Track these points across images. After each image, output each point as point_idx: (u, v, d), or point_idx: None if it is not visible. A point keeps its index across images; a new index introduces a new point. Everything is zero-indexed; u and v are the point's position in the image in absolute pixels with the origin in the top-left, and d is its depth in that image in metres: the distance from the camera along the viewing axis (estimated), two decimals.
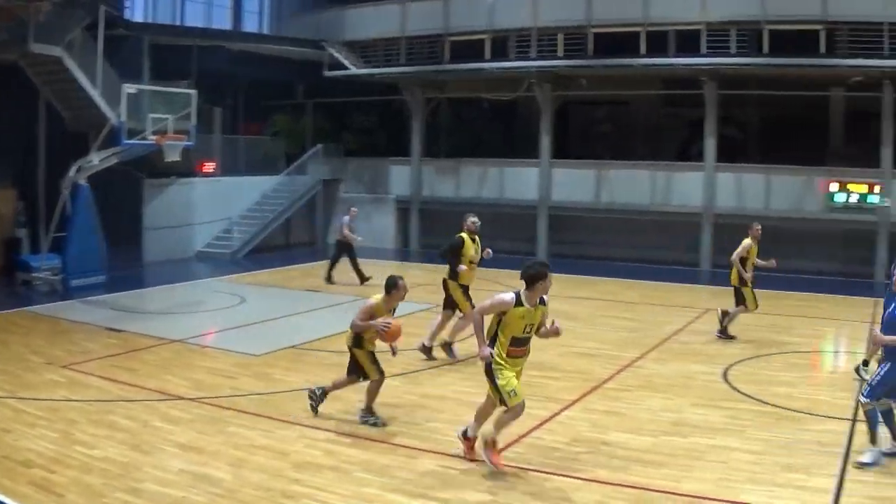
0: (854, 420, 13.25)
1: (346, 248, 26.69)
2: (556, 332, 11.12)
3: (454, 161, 36.67)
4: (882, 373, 11.28)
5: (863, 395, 11.49)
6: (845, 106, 33.29)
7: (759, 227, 19.37)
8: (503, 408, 10.72)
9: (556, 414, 13.40)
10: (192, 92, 27.89)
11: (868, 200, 29.46)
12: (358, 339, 12.61)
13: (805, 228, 30.26)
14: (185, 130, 27.18)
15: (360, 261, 26.61)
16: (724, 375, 15.93)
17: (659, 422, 13.06)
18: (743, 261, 18.87)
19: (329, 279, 26.64)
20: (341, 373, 13.06)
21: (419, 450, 11.63)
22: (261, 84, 38.14)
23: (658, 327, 20.52)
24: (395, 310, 12.79)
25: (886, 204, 29.05)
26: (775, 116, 33.78)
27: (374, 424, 12.62)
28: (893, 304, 11.51)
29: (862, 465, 11.14)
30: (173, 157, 27.13)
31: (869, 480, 10.77)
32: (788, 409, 13.87)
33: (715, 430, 12.65)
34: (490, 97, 37.41)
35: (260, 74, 37.47)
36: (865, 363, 15.61)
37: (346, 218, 26.92)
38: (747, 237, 19.09)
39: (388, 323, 12.27)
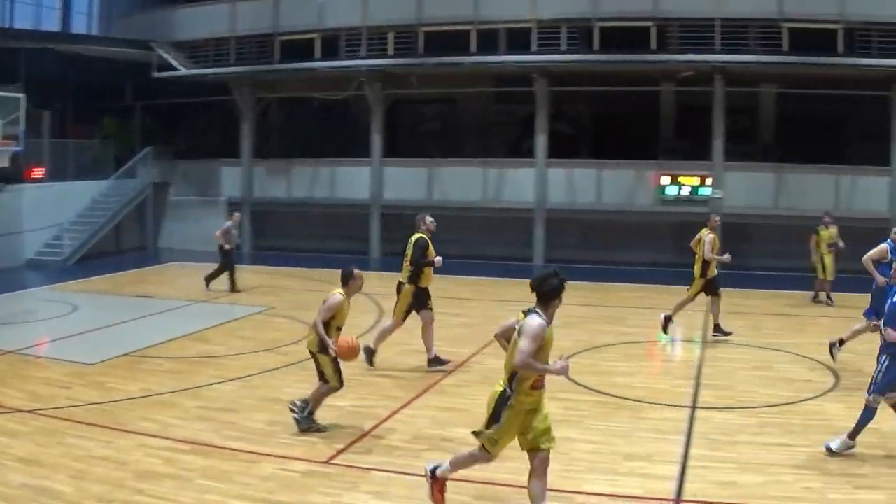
0: (693, 407, 13.48)
1: (229, 254, 25.65)
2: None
3: (285, 161, 36.21)
4: (883, 368, 11.40)
5: (869, 393, 11.53)
6: (676, 101, 33.97)
7: (718, 217, 19.77)
8: (472, 449, 9.46)
9: (396, 412, 13.24)
10: (21, 96, 26.96)
11: (700, 192, 30.13)
12: (323, 344, 12.16)
13: (637, 221, 30.81)
14: (13, 135, 26.26)
15: (193, 265, 25.91)
16: None
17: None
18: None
19: (233, 287, 25.25)
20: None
21: (258, 454, 11.33)
22: (90, 86, 37.07)
23: (492, 323, 20.47)
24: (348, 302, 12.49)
25: (718, 195, 29.71)
26: (606, 112, 34.24)
27: (318, 430, 12.24)
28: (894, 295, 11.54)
29: (830, 452, 11.41)
30: (1, 163, 26.14)
31: (712, 466, 10.92)
32: (627, 399, 14.01)
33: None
34: (321, 96, 37.06)
35: (89, 77, 36.47)
36: (841, 342, 15.93)
37: (229, 223, 25.93)
38: (707, 230, 19.09)
39: (347, 342, 12.13)
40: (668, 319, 18.98)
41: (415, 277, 16.17)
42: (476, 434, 9.21)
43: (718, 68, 29.29)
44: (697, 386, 15.07)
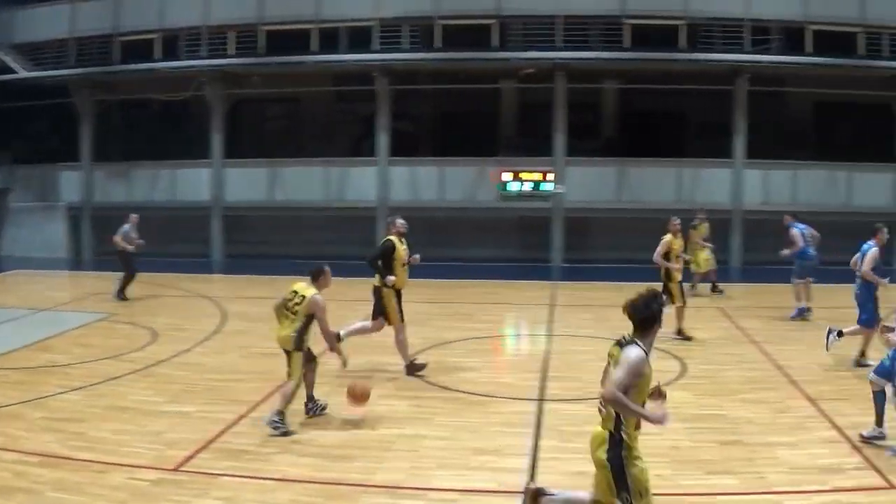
0: (541, 400, 13.47)
1: (129, 259, 24.47)
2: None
3: (126, 164, 35.18)
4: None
5: (874, 373, 11.62)
6: (518, 97, 34.10)
7: (678, 221, 19.22)
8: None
9: (244, 416, 12.88)
10: None
11: (541, 188, 30.31)
12: (300, 341, 12.33)
13: (480, 217, 30.83)
14: None
15: (34, 273, 24.89)
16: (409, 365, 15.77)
17: (348, 416, 12.73)
18: (665, 256, 18.49)
19: (121, 295, 23.82)
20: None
21: (107, 464, 10.85)
22: None
23: (337, 323, 20.19)
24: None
25: (559, 191, 29.91)
26: (449, 109, 34.24)
27: (285, 433, 11.95)
28: None
29: (865, 439, 11.46)
30: None
31: (562, 457, 10.90)
32: (475, 394, 13.95)
33: (403, 419, 12.53)
34: (162, 97, 36.22)
35: None
36: (840, 333, 15.86)
37: (127, 226, 24.81)
38: (666, 233, 18.78)
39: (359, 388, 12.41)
40: (680, 333, 18.55)
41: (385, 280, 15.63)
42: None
43: (560, 65, 29.54)
44: (544, 379, 15.06)
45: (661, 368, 15.47)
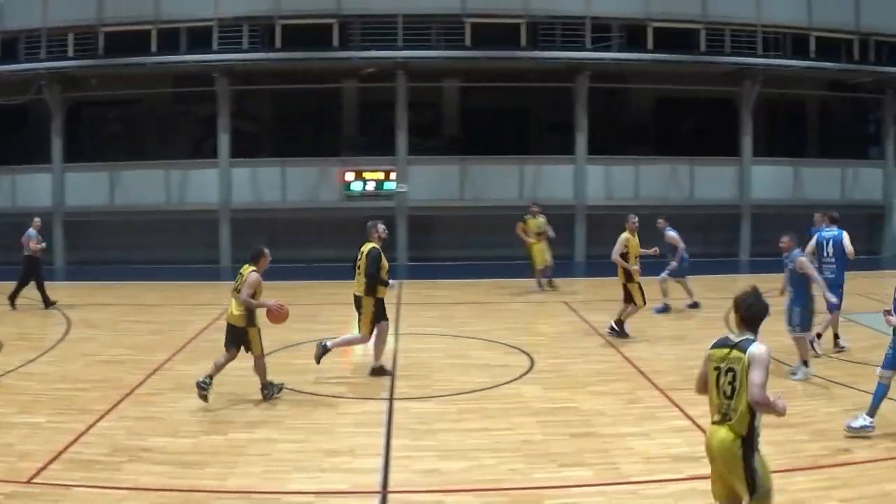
0: (391, 399, 13.41)
1: (34, 265, 23.16)
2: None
3: None
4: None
5: (882, 367, 11.67)
6: (360, 97, 33.90)
7: (636, 219, 18.63)
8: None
9: (92, 426, 12.37)
10: None
11: (385, 187, 30.17)
12: (252, 317, 13.36)
13: (323, 218, 30.54)
14: None
15: None
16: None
17: (197, 422, 12.48)
18: (624, 256, 17.97)
19: (12, 302, 22.52)
20: None
21: None
22: None
23: (182, 328, 19.85)
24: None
25: (402, 190, 29.82)
26: (290, 110, 33.85)
27: (280, 391, 13.64)
28: None
29: (850, 430, 11.53)
30: None
31: (415, 455, 10.85)
32: (324, 396, 13.81)
33: (254, 423, 12.28)
34: (0, 101, 34.95)
35: None
36: (819, 336, 16.24)
37: (32, 230, 23.52)
38: (624, 231, 18.27)
39: (281, 304, 13.51)
40: (619, 328, 18.36)
41: (371, 289, 15.18)
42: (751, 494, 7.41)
43: (401, 64, 29.48)
44: (394, 378, 14.95)
45: (510, 363, 15.64)
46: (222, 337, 15.18)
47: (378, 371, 15.29)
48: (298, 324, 18.29)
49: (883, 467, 10.52)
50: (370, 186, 30.42)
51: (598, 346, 17.64)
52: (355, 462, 10.63)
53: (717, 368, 7.48)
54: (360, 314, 15.34)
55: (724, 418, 7.42)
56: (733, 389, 7.34)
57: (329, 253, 30.20)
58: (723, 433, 7.38)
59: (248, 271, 13.42)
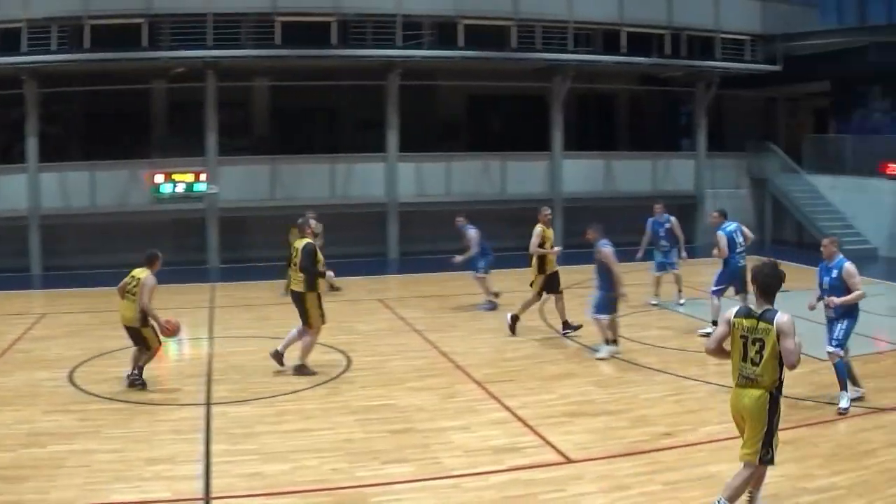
0: (208, 404, 13.23)
1: None
2: None
3: None
4: (846, 326, 12.54)
5: (831, 346, 12.58)
6: (169, 97, 33.27)
7: (549, 210, 19.06)
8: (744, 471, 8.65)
9: None
10: None
11: (196, 189, 29.68)
12: (145, 319, 13.89)
13: (134, 222, 29.89)
14: None
15: None
16: (70, 378, 15.03)
17: (15, 435, 12.04)
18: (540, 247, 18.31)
19: None
20: None
21: None
22: None
23: None
24: None
25: (213, 191, 29.44)
26: (100, 112, 32.90)
27: (143, 385, 14.08)
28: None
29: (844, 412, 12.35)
30: None
31: (235, 460, 10.75)
32: (141, 403, 13.47)
33: (71, 434, 11.95)
34: None
35: None
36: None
37: None
38: (537, 223, 18.21)
39: (169, 321, 14.14)
40: (514, 319, 18.29)
41: (312, 284, 15.00)
42: (750, 455, 8.48)
43: (210, 63, 29.00)
44: (210, 382, 14.75)
45: (326, 363, 15.63)
46: (35, 346, 14.86)
47: (300, 369, 15.24)
48: (112, 331, 17.93)
49: (706, 450, 11.00)
50: (180, 188, 29.84)
51: (415, 342, 17.80)
52: (176, 469, 10.46)
53: (744, 337, 8.37)
54: (301, 311, 15.29)
55: (750, 382, 8.39)
56: (761, 358, 8.27)
57: (140, 257, 29.59)
58: (755, 393, 8.34)
59: (145, 275, 14.06)
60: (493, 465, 10.46)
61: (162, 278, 14.76)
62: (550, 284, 18.25)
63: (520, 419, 12.17)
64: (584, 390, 13.94)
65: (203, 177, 29.65)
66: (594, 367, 15.52)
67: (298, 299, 15.29)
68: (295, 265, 15.16)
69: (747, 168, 36.58)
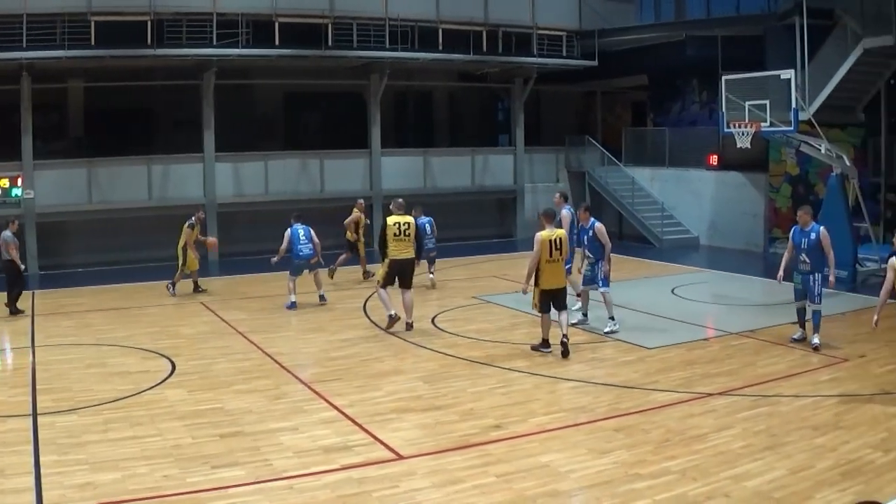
0: (34, 414, 12.98)
1: (15, 270, 20.97)
2: None
3: None
4: (820, 280, 16.06)
5: (815, 302, 16.16)
6: None
7: (362, 200, 23.04)
8: None
9: None
10: None
11: (13, 194, 28.91)
12: None
13: None
14: None
15: None
16: None
17: None
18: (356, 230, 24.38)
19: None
20: None
21: None
22: None
23: None
24: None
25: (29, 196, 28.76)
26: None
27: None
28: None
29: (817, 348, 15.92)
30: None
31: (66, 471, 10.55)
32: None
33: None
34: None
35: None
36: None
37: (8, 233, 20.46)
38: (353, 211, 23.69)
39: None
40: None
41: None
42: None
43: (25, 65, 28.31)
44: (34, 392, 14.42)
45: (151, 368, 15.58)
46: None
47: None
48: None
49: (536, 441, 11.40)
50: None
51: (239, 344, 17.78)
52: (6, 483, 10.25)
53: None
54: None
55: None
56: None
57: None
58: None
59: None
60: (325, 465, 10.60)
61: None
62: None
63: (349, 418, 12.37)
64: (411, 386, 14.23)
65: (19, 181, 28.94)
66: (420, 363, 15.80)
67: (411, 265, 18.50)
68: (408, 237, 18.22)
69: (566, 161, 37.60)
